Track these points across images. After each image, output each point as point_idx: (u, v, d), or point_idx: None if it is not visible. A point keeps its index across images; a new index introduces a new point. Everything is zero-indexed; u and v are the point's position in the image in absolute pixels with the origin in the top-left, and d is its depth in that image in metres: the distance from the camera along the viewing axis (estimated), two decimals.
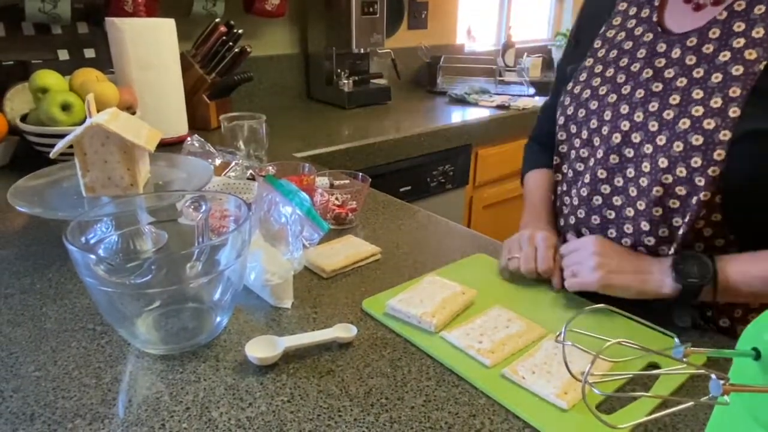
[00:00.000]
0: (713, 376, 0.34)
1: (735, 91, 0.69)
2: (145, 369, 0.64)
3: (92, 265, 0.60)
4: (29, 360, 0.65)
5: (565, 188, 0.91)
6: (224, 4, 1.85)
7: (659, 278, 0.73)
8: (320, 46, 2.12)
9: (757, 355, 0.38)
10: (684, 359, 0.35)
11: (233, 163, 1.17)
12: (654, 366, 0.65)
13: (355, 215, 1.03)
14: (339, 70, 2.09)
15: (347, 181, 1.09)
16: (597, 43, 0.88)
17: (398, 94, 2.31)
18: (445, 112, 2.08)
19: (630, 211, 0.79)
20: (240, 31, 1.68)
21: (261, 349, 0.65)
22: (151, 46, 1.43)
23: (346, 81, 2.08)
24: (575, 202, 0.87)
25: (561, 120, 0.90)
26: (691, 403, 0.37)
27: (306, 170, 1.05)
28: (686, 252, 0.74)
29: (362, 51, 2.07)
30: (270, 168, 1.04)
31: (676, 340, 0.38)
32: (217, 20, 1.69)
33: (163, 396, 0.60)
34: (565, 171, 0.91)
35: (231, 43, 1.67)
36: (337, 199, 1.01)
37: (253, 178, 1.14)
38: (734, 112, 0.68)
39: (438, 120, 1.94)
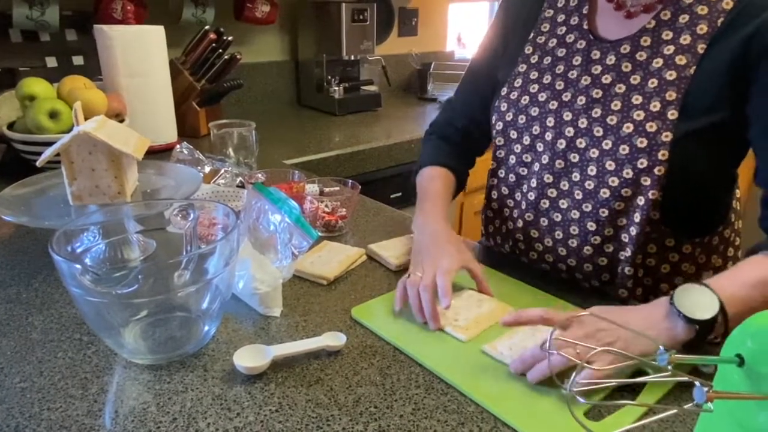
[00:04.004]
0: (697, 383, 0.34)
1: (671, 95, 0.74)
2: (132, 379, 0.63)
3: (78, 275, 0.60)
4: (14, 371, 0.64)
5: (506, 192, 0.95)
6: (214, 11, 1.85)
7: (670, 326, 0.63)
8: (310, 53, 2.12)
9: (741, 361, 0.39)
10: (669, 366, 0.36)
11: (222, 171, 1.16)
12: (642, 372, 0.65)
13: (345, 222, 1.03)
14: (329, 77, 2.10)
15: (337, 188, 1.09)
16: (528, 49, 0.91)
17: (389, 101, 2.31)
18: None
19: (576, 213, 0.83)
20: (230, 38, 1.68)
21: (249, 358, 0.65)
22: (140, 53, 1.43)
23: (336, 88, 2.08)
24: (523, 205, 0.91)
25: (499, 126, 0.92)
26: (675, 411, 0.37)
27: (296, 177, 1.05)
28: (679, 289, 0.65)
29: (353, 58, 2.08)
30: (259, 175, 1.04)
31: (661, 347, 0.38)
32: (207, 27, 1.69)
33: (150, 407, 0.59)
34: (503, 175, 0.94)
35: (221, 50, 1.67)
36: (327, 206, 1.01)
37: (242, 186, 1.14)
38: (672, 114, 0.73)
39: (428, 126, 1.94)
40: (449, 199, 0.98)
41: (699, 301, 0.62)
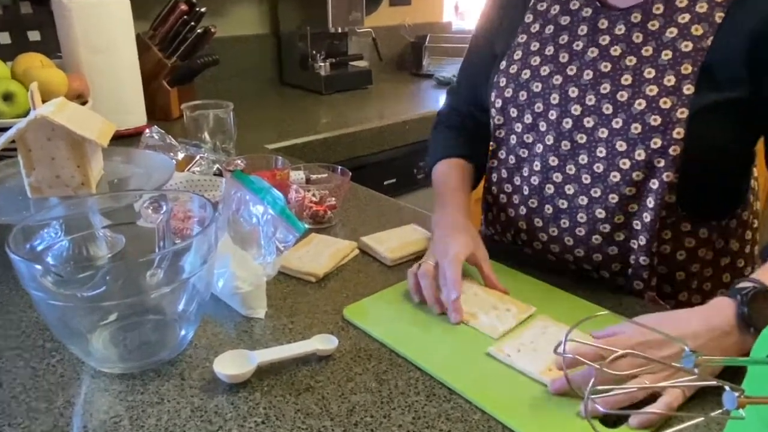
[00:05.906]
0: (727, 388, 0.34)
1: (687, 68, 0.73)
2: (101, 390, 0.63)
3: (39, 277, 0.59)
4: None
5: (505, 175, 0.94)
6: None
7: (739, 340, 0.61)
8: (293, 25, 2.10)
9: None
10: (695, 369, 0.35)
11: (198, 157, 1.16)
12: None
13: (335, 213, 1.03)
14: (314, 52, 2.08)
15: (325, 175, 1.08)
16: (528, 17, 0.90)
17: (380, 78, 2.30)
18: (432, 97, 2.08)
19: (584, 200, 0.83)
20: (203, 9, 1.66)
21: (231, 364, 0.64)
22: (103, 26, 1.41)
23: (322, 64, 2.07)
24: (525, 191, 0.91)
25: (498, 103, 0.91)
26: (702, 419, 0.37)
27: (279, 164, 1.05)
28: (743, 290, 0.62)
29: (340, 30, 2.06)
30: (239, 162, 1.03)
31: (687, 349, 0.38)
32: None
33: (123, 420, 0.59)
34: (504, 157, 0.94)
35: (193, 23, 1.65)
36: (314, 195, 1.01)
37: (220, 174, 1.13)
38: (688, 89, 0.73)
39: (424, 105, 1.94)
40: (467, 190, 0.99)
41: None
